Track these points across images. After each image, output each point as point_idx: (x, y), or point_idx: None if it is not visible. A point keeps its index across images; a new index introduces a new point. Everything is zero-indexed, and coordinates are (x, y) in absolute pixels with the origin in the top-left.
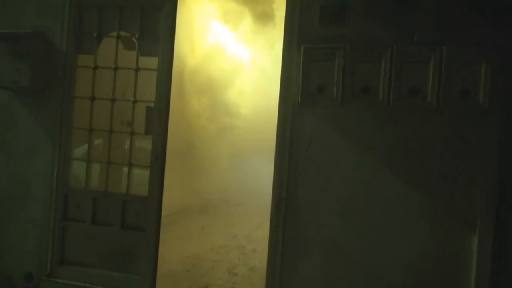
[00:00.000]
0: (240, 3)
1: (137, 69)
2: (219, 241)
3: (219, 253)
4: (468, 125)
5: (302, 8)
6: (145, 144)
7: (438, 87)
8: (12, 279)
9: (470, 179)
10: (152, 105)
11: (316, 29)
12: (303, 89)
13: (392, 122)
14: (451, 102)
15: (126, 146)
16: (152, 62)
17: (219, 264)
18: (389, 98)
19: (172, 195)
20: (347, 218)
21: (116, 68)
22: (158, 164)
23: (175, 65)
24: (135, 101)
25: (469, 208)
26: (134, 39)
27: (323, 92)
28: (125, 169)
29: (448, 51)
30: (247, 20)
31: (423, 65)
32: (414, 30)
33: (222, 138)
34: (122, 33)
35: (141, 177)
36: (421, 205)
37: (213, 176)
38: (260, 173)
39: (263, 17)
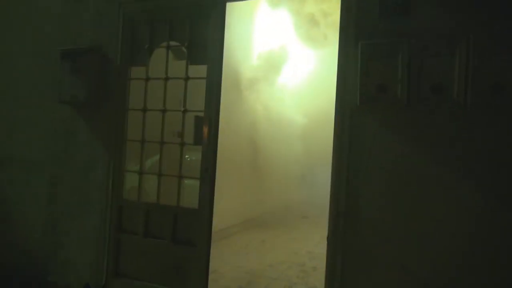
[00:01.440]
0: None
1: (187, 78)
2: (278, 257)
3: (277, 270)
4: None
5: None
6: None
7: None
8: None
9: None
10: (201, 114)
11: (375, 22)
12: (362, 90)
13: (470, 125)
14: None
15: (187, 157)
16: (202, 71)
17: (276, 283)
18: (465, 97)
19: (232, 206)
20: (417, 238)
21: (167, 78)
22: (208, 175)
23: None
24: (185, 111)
25: None
26: (183, 48)
27: (385, 93)
28: (186, 182)
29: None
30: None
31: (507, 57)
32: (493, 18)
33: (290, 147)
34: (172, 43)
35: (195, 189)
36: (494, 218)
37: (279, 187)
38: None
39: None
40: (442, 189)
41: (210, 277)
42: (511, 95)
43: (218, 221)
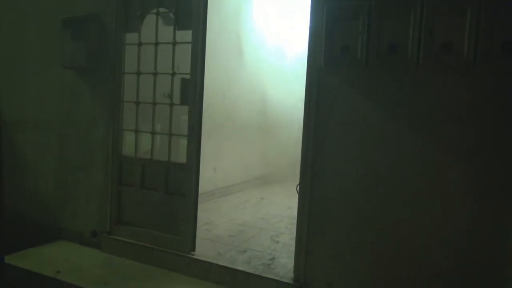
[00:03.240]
0: None
1: (174, 43)
2: (273, 211)
3: (269, 222)
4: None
5: None
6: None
7: (476, 40)
8: (82, 234)
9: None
10: (188, 77)
11: None
12: (327, 51)
13: (423, 84)
14: (491, 56)
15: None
16: (189, 36)
17: (265, 232)
18: (418, 56)
19: (235, 166)
20: (373, 188)
21: (157, 43)
22: (194, 133)
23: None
24: (173, 74)
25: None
26: (171, 15)
27: (347, 54)
28: (182, 141)
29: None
30: None
31: (457, 19)
32: None
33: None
34: (161, 10)
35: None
36: (456, 177)
37: (286, 147)
38: None
39: None
40: (396, 142)
41: (204, 227)
42: (460, 54)
43: (221, 179)
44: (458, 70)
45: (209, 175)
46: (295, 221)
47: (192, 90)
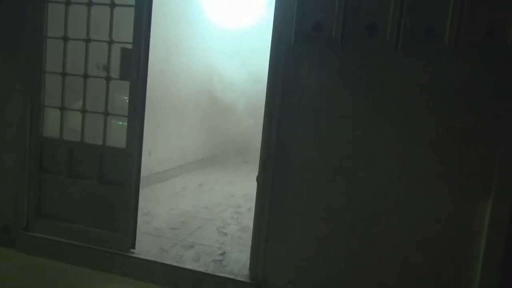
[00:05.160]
0: None
1: (113, 5)
2: (214, 199)
3: (212, 212)
4: (491, 70)
5: None
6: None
7: (459, 25)
8: None
9: (487, 136)
10: (129, 47)
11: None
12: (298, 27)
13: (400, 68)
14: (474, 43)
15: (126, 99)
16: None
17: (210, 223)
18: (398, 38)
19: (172, 150)
20: (345, 179)
21: (90, 4)
22: (136, 114)
23: None
24: (111, 42)
25: (484, 169)
26: None
27: (321, 31)
28: (121, 122)
29: None
30: None
31: (441, 1)
32: None
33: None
34: None
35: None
36: (429, 165)
37: (228, 132)
38: None
39: None
40: (371, 132)
41: (143, 219)
42: (442, 38)
43: (156, 164)
44: (439, 55)
45: (144, 159)
46: (240, 210)
47: (135, 62)
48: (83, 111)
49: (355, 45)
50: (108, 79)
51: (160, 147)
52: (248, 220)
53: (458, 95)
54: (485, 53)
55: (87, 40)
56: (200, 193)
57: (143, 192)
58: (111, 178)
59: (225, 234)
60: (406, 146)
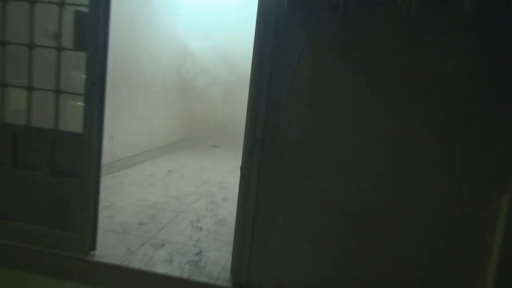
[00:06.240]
0: None
1: None
2: (186, 188)
3: (184, 203)
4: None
5: None
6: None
7: None
8: None
9: (502, 123)
10: (85, 10)
11: None
12: None
13: (411, 43)
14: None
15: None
16: None
17: (182, 216)
18: (410, 4)
19: (137, 134)
20: (342, 169)
21: None
22: (95, 92)
23: None
24: (62, 4)
25: (499, 160)
26: None
27: None
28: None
29: None
30: None
31: None
32: None
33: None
34: None
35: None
36: (438, 155)
37: (199, 113)
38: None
39: None
40: (372, 117)
41: (104, 213)
42: (459, 3)
43: (119, 149)
44: (455, 24)
45: (105, 144)
46: (215, 200)
47: (92, 29)
48: (29, 88)
49: (361, 13)
50: (59, 49)
51: (123, 130)
52: (225, 212)
53: (478, 76)
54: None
55: (32, 1)
56: (170, 181)
57: (105, 181)
58: (66, 168)
59: (200, 228)
60: (413, 133)
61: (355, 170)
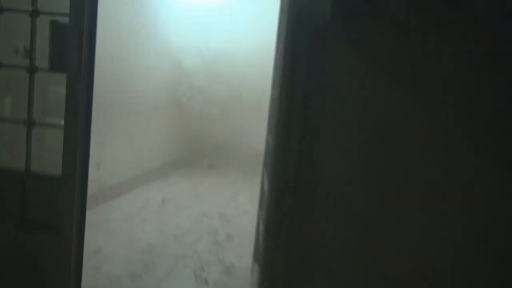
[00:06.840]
0: None
1: None
2: (183, 222)
3: (183, 243)
4: None
5: None
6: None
7: None
8: None
9: None
10: (65, 20)
11: None
12: None
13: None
14: None
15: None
16: None
17: (183, 263)
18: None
19: (126, 158)
20: (397, 221)
21: None
22: (78, 124)
23: None
24: (36, 13)
25: None
26: None
27: (375, 4)
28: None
29: None
30: None
31: None
32: None
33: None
34: None
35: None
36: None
37: (202, 126)
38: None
39: None
40: (433, 153)
41: (91, 262)
42: None
43: (106, 176)
44: None
45: (90, 173)
46: (218, 239)
47: (74, 44)
48: None
49: (426, 24)
50: (31, 70)
51: (111, 155)
52: (232, 255)
53: None
54: None
55: None
56: (164, 214)
57: (90, 217)
58: (39, 220)
59: (206, 281)
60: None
61: (413, 223)
